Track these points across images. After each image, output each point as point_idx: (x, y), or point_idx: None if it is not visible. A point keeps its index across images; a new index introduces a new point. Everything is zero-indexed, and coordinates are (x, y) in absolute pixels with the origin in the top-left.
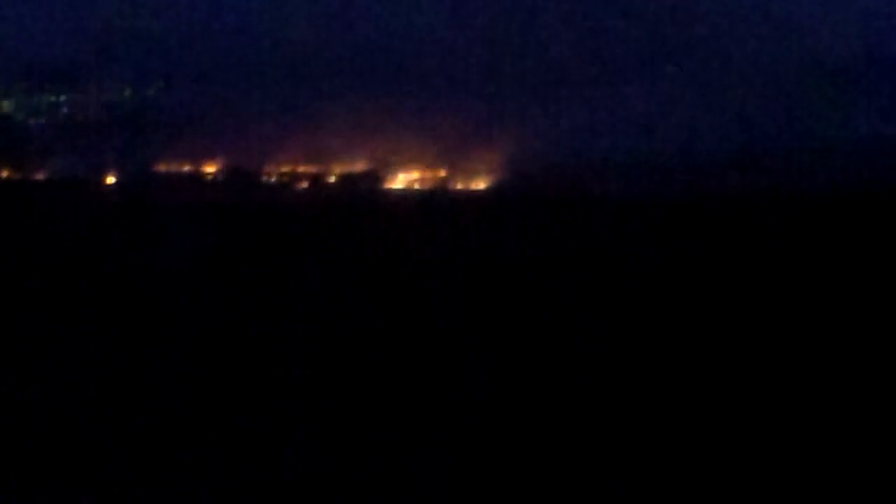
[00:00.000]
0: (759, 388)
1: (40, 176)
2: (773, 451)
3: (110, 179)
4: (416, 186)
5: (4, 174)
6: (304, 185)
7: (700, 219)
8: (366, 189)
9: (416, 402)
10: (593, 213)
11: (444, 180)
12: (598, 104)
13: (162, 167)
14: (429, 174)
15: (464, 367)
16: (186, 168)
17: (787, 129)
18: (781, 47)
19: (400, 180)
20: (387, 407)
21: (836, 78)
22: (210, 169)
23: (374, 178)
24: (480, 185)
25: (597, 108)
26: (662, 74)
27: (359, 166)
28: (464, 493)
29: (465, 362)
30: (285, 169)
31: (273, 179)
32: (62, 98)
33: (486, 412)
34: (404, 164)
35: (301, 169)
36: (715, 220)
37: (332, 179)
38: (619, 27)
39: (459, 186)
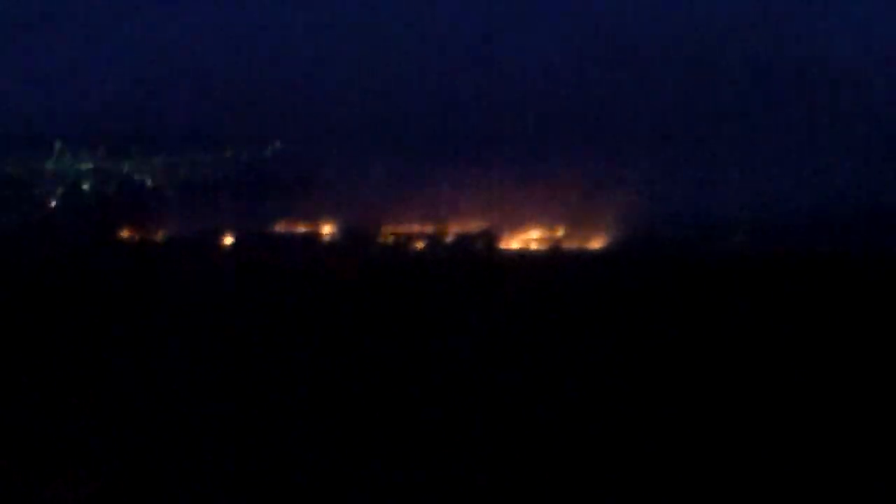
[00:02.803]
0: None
1: (159, 236)
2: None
3: (228, 240)
4: (533, 246)
5: (125, 234)
6: (421, 245)
7: (823, 277)
8: (482, 249)
9: (540, 457)
10: (709, 272)
11: (561, 240)
12: (712, 165)
13: (279, 228)
14: (545, 234)
15: (580, 422)
16: (303, 229)
17: None
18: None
19: (517, 240)
20: (517, 466)
21: None
22: (327, 229)
23: (490, 237)
24: (596, 244)
25: (711, 169)
26: (775, 135)
27: (475, 226)
28: None
29: (580, 416)
30: (401, 229)
31: (389, 240)
32: (181, 159)
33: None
34: (521, 224)
35: (417, 229)
36: (843, 277)
37: (449, 240)
38: (731, 90)
39: (576, 246)
